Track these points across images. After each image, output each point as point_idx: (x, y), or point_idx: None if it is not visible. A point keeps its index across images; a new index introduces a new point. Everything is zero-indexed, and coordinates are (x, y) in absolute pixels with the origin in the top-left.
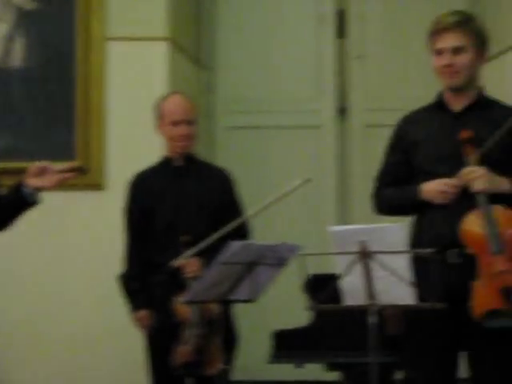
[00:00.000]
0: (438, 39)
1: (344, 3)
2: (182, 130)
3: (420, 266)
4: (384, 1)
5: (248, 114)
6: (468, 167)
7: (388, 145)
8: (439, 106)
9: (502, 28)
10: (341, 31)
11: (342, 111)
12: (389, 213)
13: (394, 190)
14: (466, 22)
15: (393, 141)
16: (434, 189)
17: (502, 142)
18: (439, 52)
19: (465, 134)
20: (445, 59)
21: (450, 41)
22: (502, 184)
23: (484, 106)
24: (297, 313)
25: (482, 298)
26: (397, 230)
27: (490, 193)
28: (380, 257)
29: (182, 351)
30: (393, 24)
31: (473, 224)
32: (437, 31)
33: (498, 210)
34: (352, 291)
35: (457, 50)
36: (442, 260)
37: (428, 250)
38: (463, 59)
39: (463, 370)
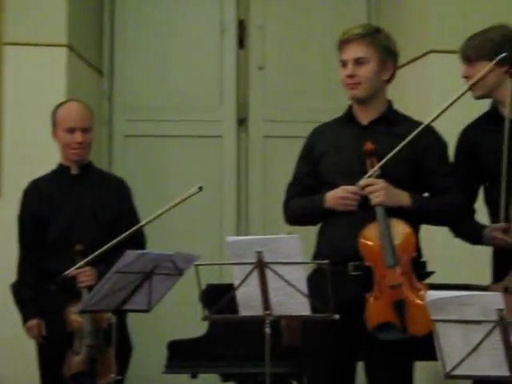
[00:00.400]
0: (342, 51)
1: (244, 14)
2: (77, 137)
3: (318, 277)
4: (283, 12)
5: (148, 122)
6: (368, 179)
7: (299, 156)
8: (348, 118)
9: (400, 40)
10: (241, 42)
11: (242, 122)
12: (298, 223)
13: (302, 200)
14: (370, 34)
15: (302, 152)
16: (335, 195)
17: (402, 156)
18: (343, 63)
19: (368, 146)
20: (347, 70)
21: (352, 52)
22: (400, 198)
23: (391, 120)
24: (193, 323)
25: (375, 310)
26: (292, 241)
27: (388, 206)
28: (276, 267)
29: (74, 362)
30: (292, 35)
31: (370, 236)
32: (341, 43)
33: (396, 224)
34: (248, 301)
35: (359, 62)
36: (341, 272)
37: (323, 262)
38: (365, 71)
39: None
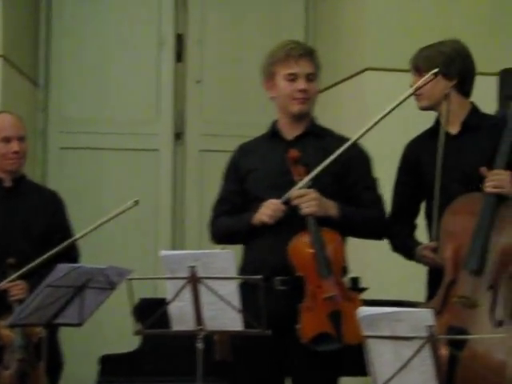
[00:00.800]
0: (293, 64)
1: (183, 28)
2: (13, 146)
3: (249, 293)
4: (221, 27)
5: (84, 134)
6: (299, 190)
7: (224, 173)
8: (273, 134)
9: (337, 57)
10: (179, 55)
11: (179, 135)
12: (225, 241)
13: (229, 219)
14: (314, 52)
15: (228, 170)
16: (262, 210)
17: (328, 169)
18: (293, 77)
19: (292, 153)
20: (301, 84)
21: (306, 67)
22: (329, 208)
23: (316, 135)
24: (126, 337)
25: (311, 321)
26: (225, 256)
27: (318, 216)
28: (209, 282)
29: (4, 376)
30: (230, 50)
31: (301, 247)
32: (292, 56)
33: (327, 233)
34: (180, 316)
35: (309, 78)
36: (269, 287)
37: (256, 277)
38: (313, 87)
39: None
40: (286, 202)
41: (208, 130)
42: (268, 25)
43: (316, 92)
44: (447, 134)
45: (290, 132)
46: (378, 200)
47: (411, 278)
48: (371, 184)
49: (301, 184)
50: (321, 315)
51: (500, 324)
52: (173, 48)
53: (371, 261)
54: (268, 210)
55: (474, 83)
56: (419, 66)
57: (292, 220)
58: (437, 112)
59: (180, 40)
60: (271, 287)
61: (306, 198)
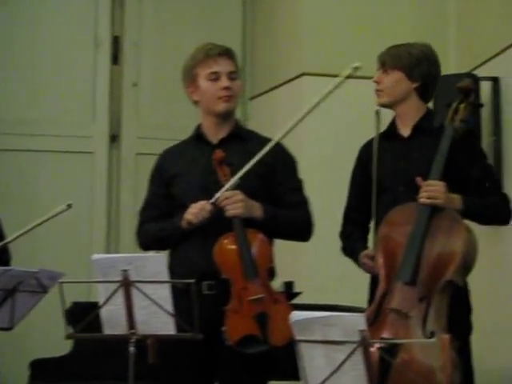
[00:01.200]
0: (213, 63)
1: (119, 30)
2: None
3: (180, 297)
4: (158, 30)
5: (18, 136)
6: (226, 192)
7: (149, 178)
8: (198, 138)
9: (274, 62)
10: (116, 58)
11: (114, 138)
12: (154, 247)
13: (158, 224)
14: (232, 52)
15: (153, 175)
16: (188, 210)
17: (254, 172)
18: (216, 76)
19: (218, 154)
20: (224, 82)
21: (227, 65)
22: (254, 209)
23: (242, 137)
24: (58, 341)
25: (237, 323)
26: (158, 260)
27: (244, 217)
28: (141, 286)
29: None
30: (167, 53)
31: (227, 249)
32: (211, 56)
33: (253, 235)
34: (113, 320)
35: (232, 76)
36: (197, 291)
37: (188, 281)
38: (237, 85)
39: None
40: (214, 204)
41: (144, 133)
42: (205, 28)
43: (239, 90)
44: (399, 137)
45: (214, 135)
46: (303, 201)
47: (347, 282)
48: (296, 186)
49: (227, 185)
50: (247, 317)
51: (432, 335)
52: (109, 50)
53: (306, 264)
54: (194, 209)
55: (435, 89)
56: (386, 61)
57: (220, 223)
58: (394, 111)
59: (116, 42)
60: (199, 291)
61: (232, 200)
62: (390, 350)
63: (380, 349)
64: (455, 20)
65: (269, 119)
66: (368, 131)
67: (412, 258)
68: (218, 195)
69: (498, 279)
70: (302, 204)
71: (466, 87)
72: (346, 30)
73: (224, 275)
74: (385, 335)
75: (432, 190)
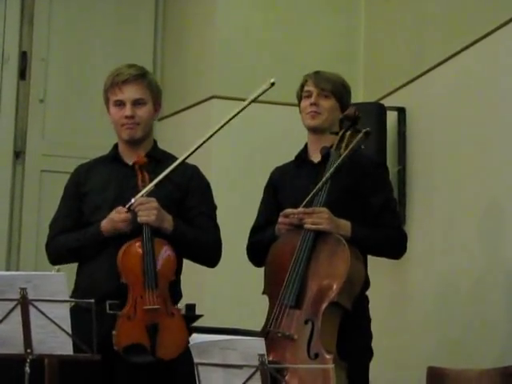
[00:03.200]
0: (118, 91)
1: (28, 45)
2: None
3: (80, 316)
4: (67, 46)
5: None
6: (141, 198)
7: (63, 193)
8: (114, 158)
9: (184, 84)
10: (23, 73)
11: (19, 154)
12: (66, 259)
13: (71, 234)
14: (144, 75)
15: (68, 187)
16: (108, 217)
17: (167, 195)
18: (120, 103)
19: (140, 159)
20: (127, 110)
21: (131, 93)
22: (166, 221)
23: (157, 159)
24: None
25: (127, 330)
26: (58, 279)
27: (154, 227)
28: (39, 305)
29: None
30: (74, 70)
31: (132, 254)
32: (117, 83)
33: (160, 245)
34: (8, 339)
35: (138, 102)
36: (100, 310)
37: (87, 301)
38: (143, 112)
39: None
40: (129, 209)
41: (49, 150)
42: (115, 46)
43: (148, 116)
44: (311, 163)
45: (129, 157)
46: (213, 227)
47: (249, 306)
48: (208, 211)
49: (144, 191)
50: (139, 326)
51: (316, 356)
52: (17, 65)
53: (208, 287)
54: (111, 214)
55: None
56: (325, 87)
57: (127, 241)
58: (315, 135)
59: (24, 57)
60: (103, 310)
61: (146, 206)
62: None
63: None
64: (364, 50)
65: (176, 141)
66: (278, 155)
67: (296, 281)
68: (133, 200)
69: (398, 308)
70: (212, 228)
71: (352, 115)
72: (256, 55)
73: (123, 280)
74: (272, 357)
75: (315, 216)
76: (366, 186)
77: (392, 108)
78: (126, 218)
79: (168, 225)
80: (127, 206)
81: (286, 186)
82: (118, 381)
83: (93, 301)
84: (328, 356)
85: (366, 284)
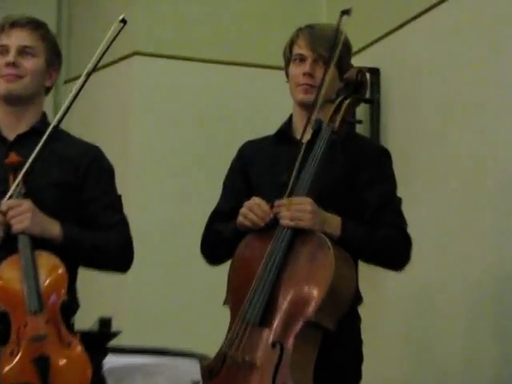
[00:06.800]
0: (4, 36)
1: None
2: None
3: None
4: None
5: None
6: (9, 201)
7: None
8: None
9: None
10: None
11: None
12: None
13: None
14: (43, 27)
15: None
16: None
17: (59, 179)
18: (4, 49)
19: (13, 158)
20: (10, 56)
21: (18, 38)
22: (51, 227)
23: (43, 133)
24: None
25: (12, 367)
26: None
27: (33, 235)
28: None
29: None
30: None
31: (7, 275)
32: (4, 27)
33: (43, 258)
34: None
35: (24, 51)
36: None
37: None
38: (31, 64)
39: None
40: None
41: None
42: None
43: (36, 71)
44: (295, 141)
45: (11, 130)
46: (120, 222)
47: (184, 319)
48: (113, 203)
49: (10, 191)
50: (24, 360)
51: None
52: None
53: (128, 295)
54: None
55: None
56: (322, 54)
57: (7, 246)
58: (304, 111)
59: None
60: None
61: (16, 211)
62: None
63: None
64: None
65: (89, 107)
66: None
67: (263, 293)
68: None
69: (374, 327)
70: (119, 225)
71: (353, 79)
72: (182, 12)
73: (2, 307)
74: None
75: (296, 208)
76: (364, 177)
77: (364, 69)
78: None
79: (54, 231)
80: None
81: (261, 167)
82: None
83: None
84: None
85: (358, 298)
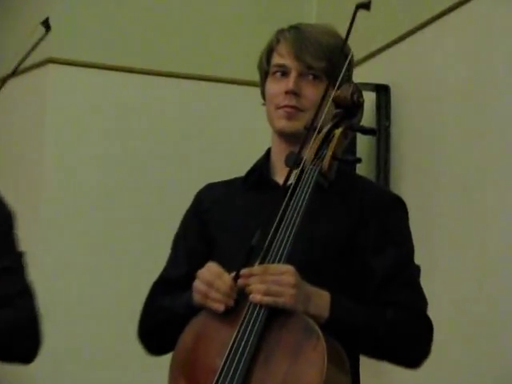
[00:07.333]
0: None
1: None
2: None
3: None
4: None
5: None
6: None
7: None
8: None
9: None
10: None
11: None
12: None
13: None
14: None
15: None
16: None
17: None
18: None
19: None
20: None
21: None
22: None
23: None
24: None
25: None
26: None
27: None
28: None
29: None
30: None
31: None
32: None
33: None
34: None
35: None
36: None
37: None
38: None
39: None
40: None
41: None
42: None
43: None
44: (276, 185)
45: None
46: (23, 291)
47: None
48: (12, 264)
49: None
50: None
51: None
52: None
53: None
54: None
55: None
56: (312, 64)
57: None
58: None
59: None
60: None
61: None
62: None
63: None
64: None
65: (6, 107)
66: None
67: None
68: None
69: None
70: (19, 298)
71: (346, 99)
72: (97, 16)
73: None
74: None
75: (273, 280)
76: (369, 237)
77: (368, 86)
78: None
79: None
80: None
81: (225, 221)
82: None
83: None
84: None
85: None
